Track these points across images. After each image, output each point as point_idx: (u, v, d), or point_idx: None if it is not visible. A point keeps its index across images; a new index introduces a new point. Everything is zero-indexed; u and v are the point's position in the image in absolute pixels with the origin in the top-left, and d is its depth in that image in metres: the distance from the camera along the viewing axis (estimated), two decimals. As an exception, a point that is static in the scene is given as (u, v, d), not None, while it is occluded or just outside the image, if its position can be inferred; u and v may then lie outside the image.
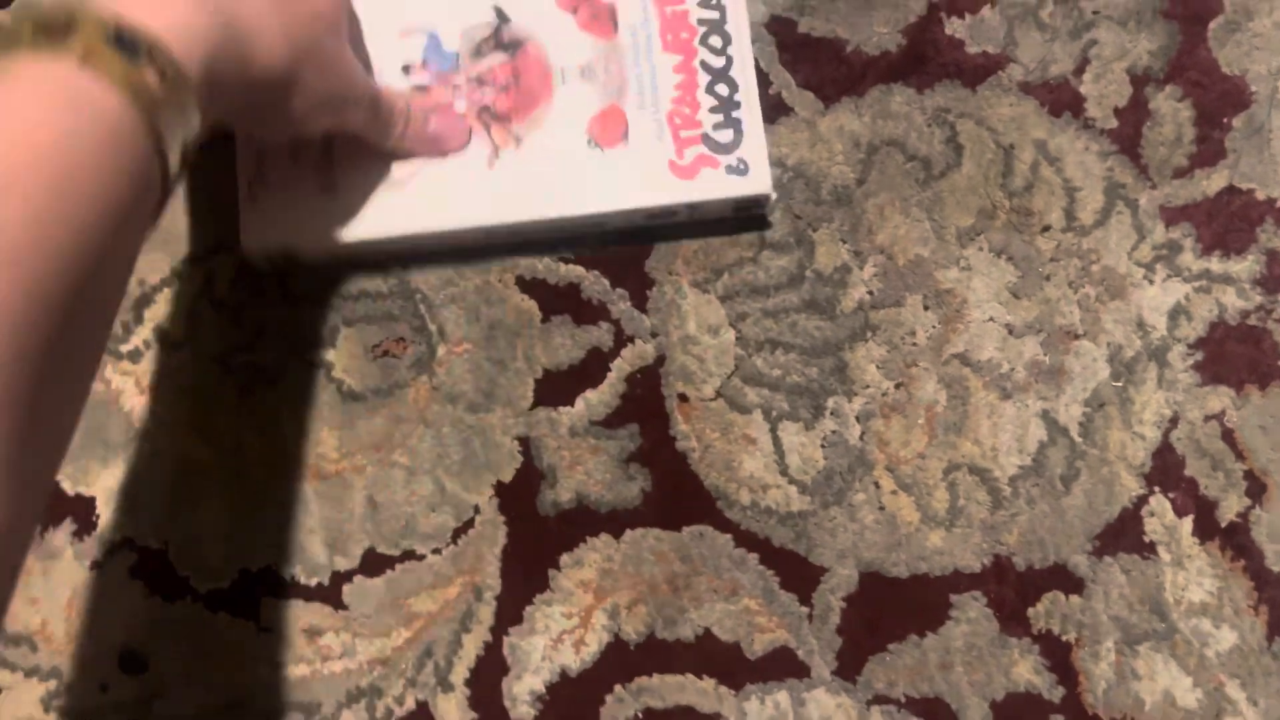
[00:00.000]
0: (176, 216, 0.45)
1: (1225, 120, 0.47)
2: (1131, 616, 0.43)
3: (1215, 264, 0.46)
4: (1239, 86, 0.47)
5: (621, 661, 0.42)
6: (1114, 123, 0.47)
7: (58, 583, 0.43)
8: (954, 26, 0.48)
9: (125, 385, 0.44)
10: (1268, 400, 0.44)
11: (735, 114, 0.44)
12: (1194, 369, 0.45)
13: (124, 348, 0.44)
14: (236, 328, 0.45)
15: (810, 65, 0.47)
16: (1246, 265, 0.45)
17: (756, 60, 0.46)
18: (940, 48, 0.47)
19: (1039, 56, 0.47)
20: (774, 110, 0.47)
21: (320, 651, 0.42)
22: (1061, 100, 0.47)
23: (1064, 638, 0.43)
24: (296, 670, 0.42)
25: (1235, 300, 0.45)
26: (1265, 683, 0.42)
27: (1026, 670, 0.43)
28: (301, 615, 0.43)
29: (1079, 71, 0.47)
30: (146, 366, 0.44)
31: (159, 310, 0.45)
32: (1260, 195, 0.46)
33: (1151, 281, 0.45)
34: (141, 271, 0.45)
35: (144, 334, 0.44)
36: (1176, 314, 0.45)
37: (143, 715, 0.42)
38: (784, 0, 0.48)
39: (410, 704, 0.42)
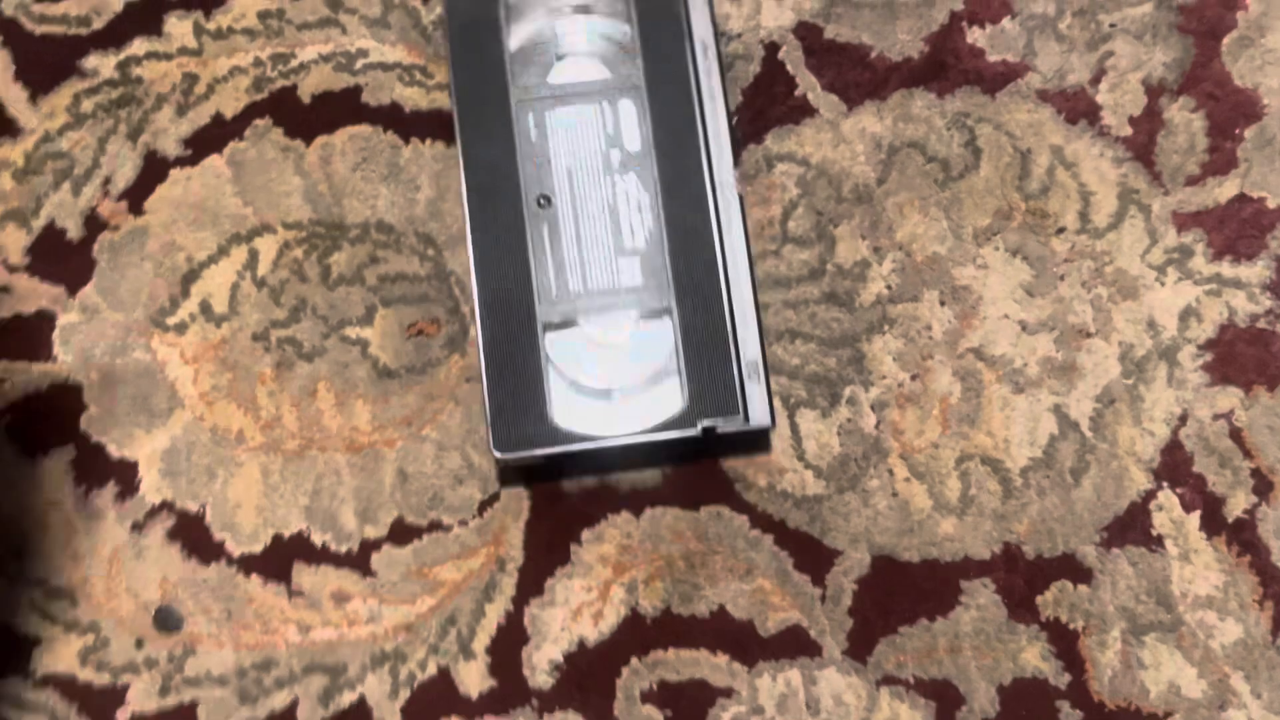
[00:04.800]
0: (224, 198, 0.47)
1: (1237, 131, 0.48)
2: (1138, 607, 0.44)
3: (1226, 268, 0.47)
4: (1251, 99, 0.48)
5: (638, 634, 0.44)
6: (1129, 131, 0.48)
7: (100, 541, 0.44)
8: (975, 36, 0.49)
9: (170, 356, 0.46)
10: (1276, 401, 0.45)
11: None
12: (1203, 369, 0.46)
13: (170, 320, 0.46)
14: (277, 305, 0.47)
15: (835, 69, 0.49)
16: (1257, 270, 0.47)
17: (783, 63, 0.48)
18: (961, 56, 0.49)
19: (1057, 66, 0.49)
20: (799, 111, 0.48)
21: (347, 616, 0.44)
22: (1078, 108, 0.48)
23: (1071, 626, 0.44)
24: (324, 633, 0.44)
25: (1245, 304, 0.46)
26: (1270, 676, 0.43)
27: (1034, 656, 0.43)
28: (331, 580, 0.44)
29: (1095, 81, 0.49)
30: (190, 339, 0.46)
31: (204, 286, 0.47)
32: (1271, 203, 0.47)
33: (1163, 284, 0.47)
34: (190, 249, 0.47)
35: (190, 308, 0.46)
36: (1187, 315, 0.46)
37: (175, 671, 0.43)
38: (810, 6, 0.50)
39: (433, 669, 0.43)
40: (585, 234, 0.44)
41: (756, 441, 0.45)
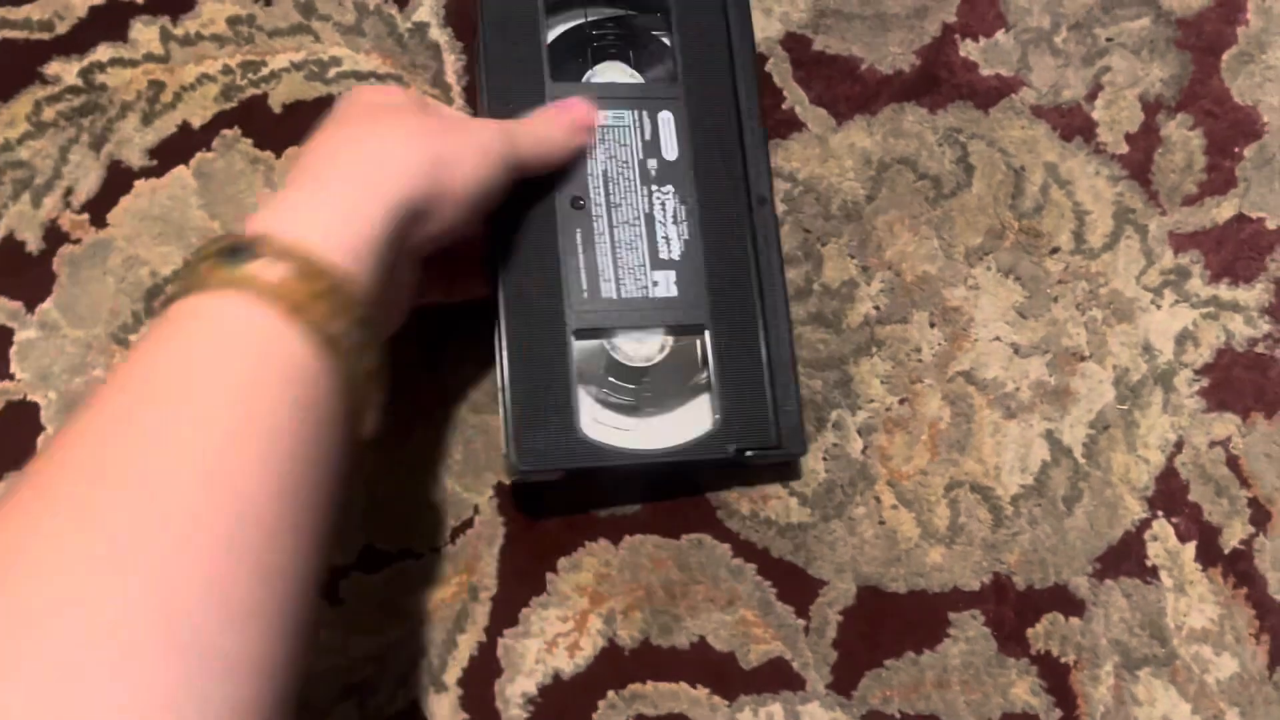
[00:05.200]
0: (190, 211, 0.46)
1: (1236, 150, 0.47)
2: (1132, 640, 0.42)
3: (1224, 291, 0.46)
4: (1251, 117, 0.47)
5: (615, 667, 0.42)
6: (1125, 148, 0.47)
7: (56, 568, 0.43)
8: (968, 49, 0.48)
9: (133, 374, 0.44)
10: (1274, 428, 0.44)
11: None
12: (1200, 394, 0.45)
13: (133, 338, 0.45)
14: (246, 322, 0.45)
15: (824, 82, 0.48)
16: (1255, 294, 0.45)
17: (770, 75, 0.47)
18: (954, 69, 0.48)
19: (1052, 81, 0.48)
20: (786, 125, 0.47)
21: (314, 646, 0.42)
22: (1073, 125, 0.47)
23: (1063, 659, 0.42)
24: (290, 664, 0.42)
25: (1243, 328, 0.45)
26: (1266, 712, 0.42)
27: (1024, 691, 0.42)
28: (297, 609, 0.42)
29: (1091, 97, 0.48)
30: (155, 356, 0.44)
31: (170, 302, 0.45)
32: (1270, 224, 0.46)
33: (1159, 306, 0.45)
34: (154, 263, 0.45)
35: (154, 324, 0.45)
36: (1183, 339, 0.45)
37: (134, 703, 0.42)
38: (799, 17, 0.48)
39: (402, 703, 0.42)
40: (620, 241, 0.42)
41: (785, 467, 0.44)
